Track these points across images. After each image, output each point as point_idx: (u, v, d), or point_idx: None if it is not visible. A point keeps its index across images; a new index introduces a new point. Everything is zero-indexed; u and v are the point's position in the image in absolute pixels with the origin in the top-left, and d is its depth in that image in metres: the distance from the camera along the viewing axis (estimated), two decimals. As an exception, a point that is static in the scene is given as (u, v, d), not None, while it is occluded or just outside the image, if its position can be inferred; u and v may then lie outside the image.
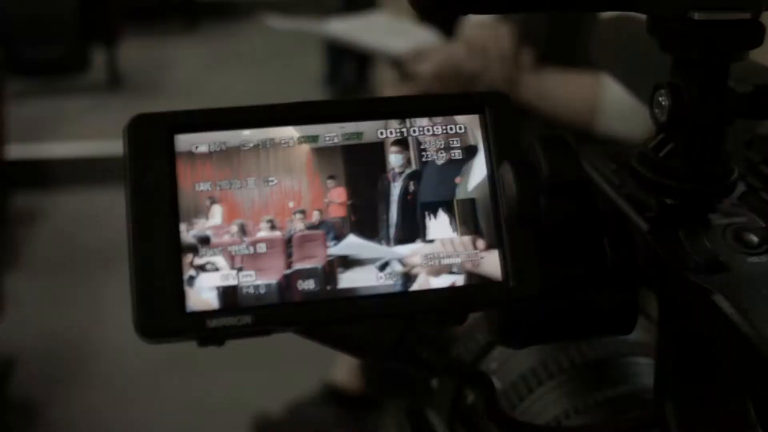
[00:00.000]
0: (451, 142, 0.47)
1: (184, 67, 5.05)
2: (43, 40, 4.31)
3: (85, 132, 4.00)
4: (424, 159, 0.47)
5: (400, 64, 1.81)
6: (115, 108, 4.33)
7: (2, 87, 3.29)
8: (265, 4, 4.89)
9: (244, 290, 0.44)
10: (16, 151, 3.50)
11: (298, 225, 0.45)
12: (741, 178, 0.53)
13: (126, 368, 2.45)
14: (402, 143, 0.47)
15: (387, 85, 1.99)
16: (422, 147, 0.47)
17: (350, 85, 4.42)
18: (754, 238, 0.49)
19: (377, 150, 0.47)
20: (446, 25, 2.01)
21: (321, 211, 0.46)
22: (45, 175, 3.75)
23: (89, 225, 3.30)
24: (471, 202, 0.47)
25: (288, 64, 4.75)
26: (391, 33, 1.92)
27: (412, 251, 0.46)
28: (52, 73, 4.51)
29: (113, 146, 3.76)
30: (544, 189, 0.46)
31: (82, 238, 3.25)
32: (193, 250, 0.44)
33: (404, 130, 0.47)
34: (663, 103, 0.50)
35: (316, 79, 4.50)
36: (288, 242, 0.45)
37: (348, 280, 0.45)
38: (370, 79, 4.32)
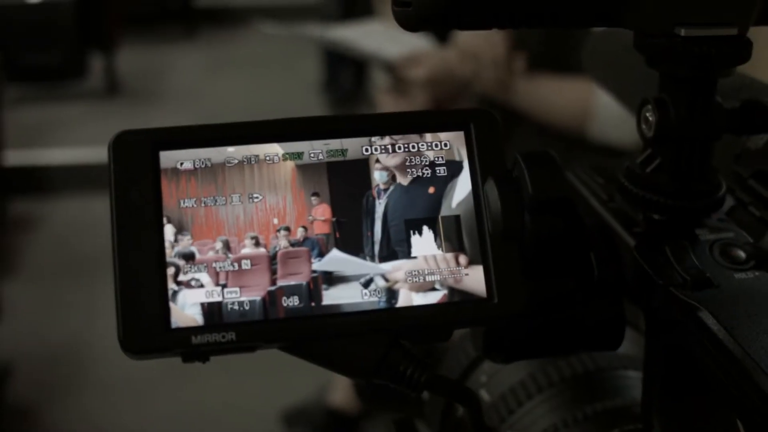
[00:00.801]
0: (436, 159, 0.47)
1: (182, 73, 5.05)
2: (41, 47, 4.31)
3: (83, 138, 4.00)
4: (408, 175, 0.47)
5: (393, 70, 1.81)
6: (113, 114, 4.33)
7: (0, 93, 3.29)
8: (264, 11, 4.90)
9: (229, 307, 0.44)
10: (14, 157, 3.50)
11: (282, 242, 0.45)
12: (729, 193, 0.53)
13: (122, 374, 2.45)
14: (386, 160, 0.47)
15: (381, 90, 1.98)
16: (407, 163, 0.47)
17: (348, 91, 4.42)
18: (742, 254, 0.49)
19: (362, 167, 0.47)
20: (440, 32, 2.01)
21: (305, 228, 0.46)
22: (42, 181, 3.75)
23: (86, 231, 3.30)
24: (455, 219, 0.47)
25: (286, 70, 4.75)
26: (385, 39, 1.92)
27: (396, 268, 0.46)
28: (50, 79, 4.51)
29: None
30: (529, 206, 0.46)
31: (79, 244, 3.24)
32: (178, 266, 0.44)
33: (389, 146, 0.47)
34: (650, 118, 0.50)
35: (314, 86, 4.50)
36: (272, 259, 0.45)
37: (332, 296, 0.45)
38: (368, 86, 4.31)
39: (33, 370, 2.54)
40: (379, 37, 1.95)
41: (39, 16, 4.33)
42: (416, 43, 1.91)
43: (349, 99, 4.35)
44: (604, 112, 1.58)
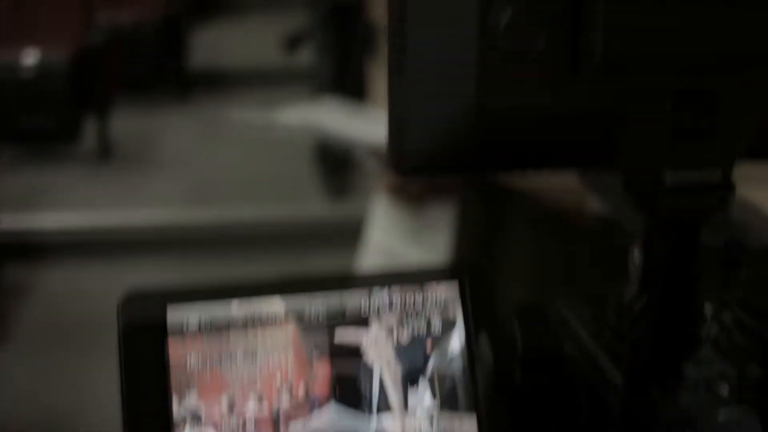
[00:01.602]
0: (431, 315, 0.49)
1: (176, 137, 5.06)
2: (35, 109, 4.32)
3: (76, 203, 4.00)
4: (405, 332, 0.49)
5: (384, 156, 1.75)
6: (106, 179, 4.34)
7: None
8: (257, 75, 4.93)
9: None
10: (6, 221, 3.50)
11: (284, 399, 0.47)
12: (715, 319, 0.55)
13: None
14: (384, 318, 0.49)
15: (382, 182, 1.92)
16: (403, 321, 0.49)
17: (341, 160, 4.40)
18: (725, 390, 0.50)
19: (360, 324, 0.49)
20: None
21: (306, 385, 0.47)
22: (34, 245, 3.74)
23: (79, 298, 3.29)
24: (449, 372, 0.49)
25: (281, 136, 4.76)
26: (363, 122, 1.86)
27: (394, 422, 0.48)
28: (43, 142, 4.51)
29: (104, 217, 3.73)
30: (520, 363, 0.48)
31: (72, 310, 3.23)
32: (184, 424, 0.46)
33: (387, 304, 0.49)
34: (637, 261, 0.52)
35: (308, 151, 4.51)
36: (276, 417, 0.47)
37: None
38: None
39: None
40: (357, 121, 1.89)
41: (33, 79, 4.34)
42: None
43: (341, 167, 4.33)
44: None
